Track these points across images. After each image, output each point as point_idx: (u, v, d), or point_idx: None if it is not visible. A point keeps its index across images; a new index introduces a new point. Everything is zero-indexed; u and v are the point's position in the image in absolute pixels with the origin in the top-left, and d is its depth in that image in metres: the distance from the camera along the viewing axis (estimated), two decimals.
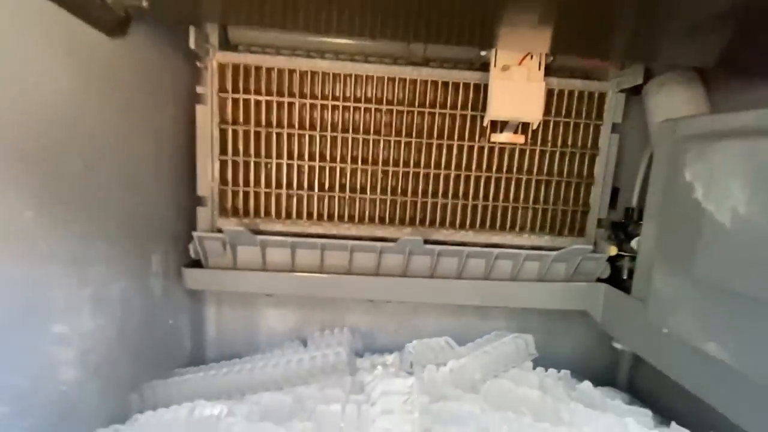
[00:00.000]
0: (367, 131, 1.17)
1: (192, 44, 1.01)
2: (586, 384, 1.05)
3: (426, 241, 1.19)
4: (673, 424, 0.94)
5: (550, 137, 1.19)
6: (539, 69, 1.08)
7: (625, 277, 1.21)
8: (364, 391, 0.89)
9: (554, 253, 1.18)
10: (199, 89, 1.12)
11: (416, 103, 1.17)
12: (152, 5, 0.79)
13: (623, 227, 1.25)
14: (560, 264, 1.23)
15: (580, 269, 1.23)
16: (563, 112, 1.17)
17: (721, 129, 0.85)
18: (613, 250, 1.18)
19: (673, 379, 0.94)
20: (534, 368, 1.18)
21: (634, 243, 1.17)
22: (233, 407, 0.84)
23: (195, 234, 1.14)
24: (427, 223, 1.22)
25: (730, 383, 0.81)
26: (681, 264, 0.93)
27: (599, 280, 1.24)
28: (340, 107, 1.16)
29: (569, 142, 1.19)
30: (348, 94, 1.16)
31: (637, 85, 1.11)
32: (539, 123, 1.13)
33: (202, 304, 1.36)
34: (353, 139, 1.17)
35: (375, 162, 1.19)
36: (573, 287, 1.23)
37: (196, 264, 1.20)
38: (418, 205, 1.21)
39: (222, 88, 1.12)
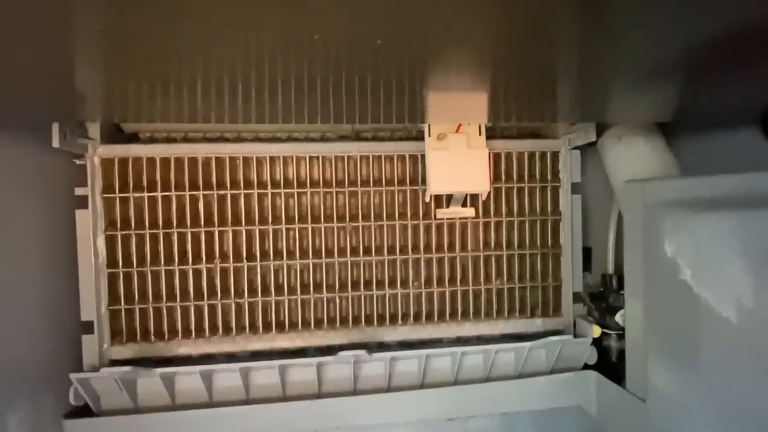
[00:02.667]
0: (290, 220, 0.99)
1: (56, 143, 0.82)
2: None
3: (376, 345, 0.98)
4: None
5: (504, 206, 1.03)
6: (479, 134, 0.95)
7: (615, 359, 1.01)
8: None
9: (529, 343, 0.98)
10: (78, 191, 0.92)
11: (347, 182, 1.00)
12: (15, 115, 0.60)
13: (603, 297, 1.08)
14: (540, 352, 1.03)
15: (563, 356, 1.03)
16: (515, 177, 1.03)
17: (700, 196, 0.71)
18: (596, 331, 1.00)
19: None
20: None
21: (618, 317, 0.99)
22: None
23: (73, 376, 0.88)
24: (375, 320, 1.01)
25: None
26: (680, 359, 0.74)
27: (587, 366, 1.04)
28: (256, 194, 0.97)
29: (527, 210, 1.04)
30: (265, 179, 0.98)
31: (591, 141, 0.99)
32: (488, 192, 0.97)
33: None
34: (274, 230, 0.98)
35: (304, 255, 0.99)
36: (558, 380, 1.02)
37: (84, 412, 0.93)
38: (362, 299, 1.00)
39: (108, 188, 0.93)
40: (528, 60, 0.53)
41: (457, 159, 0.92)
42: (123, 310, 0.93)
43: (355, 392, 0.98)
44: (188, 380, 0.94)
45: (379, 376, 0.99)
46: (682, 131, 0.98)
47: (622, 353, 0.98)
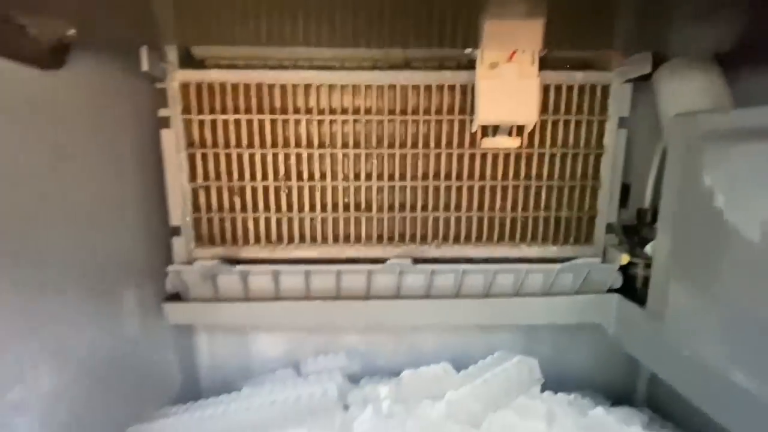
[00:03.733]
0: (347, 145, 1.08)
1: (145, 66, 0.92)
2: (599, 410, 0.96)
3: (419, 260, 1.10)
4: None
5: (548, 138, 1.07)
6: (532, 63, 0.96)
7: (639, 286, 1.10)
8: None
9: (558, 265, 1.08)
10: (161, 112, 1.04)
11: (398, 111, 1.06)
12: (82, 34, 0.70)
13: (636, 230, 1.14)
14: (567, 275, 1.12)
15: (590, 280, 1.12)
16: (562, 109, 1.05)
17: (747, 126, 0.73)
18: (624, 259, 1.07)
19: (694, 403, 0.84)
20: (542, 390, 1.09)
21: (648, 248, 1.06)
22: None
23: (169, 268, 1.07)
24: (419, 239, 1.12)
25: (757, 415, 0.71)
26: (701, 280, 0.82)
27: (611, 290, 1.14)
28: (316, 121, 1.06)
29: (571, 142, 1.07)
30: (324, 106, 1.06)
31: (645, 74, 0.98)
32: (534, 124, 1.01)
33: (192, 334, 1.30)
34: (332, 154, 1.08)
35: (358, 177, 1.09)
36: (582, 300, 1.13)
37: (176, 297, 1.13)
38: (408, 220, 1.11)
39: (186, 110, 1.04)
40: None
41: (508, 89, 0.95)
42: (204, 218, 1.09)
43: (398, 297, 1.13)
44: (259, 278, 1.11)
45: (420, 287, 1.14)
46: (743, 70, 0.95)
47: (646, 281, 1.06)
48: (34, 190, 0.75)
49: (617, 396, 1.24)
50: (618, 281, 1.12)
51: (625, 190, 1.17)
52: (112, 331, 0.96)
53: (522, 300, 1.13)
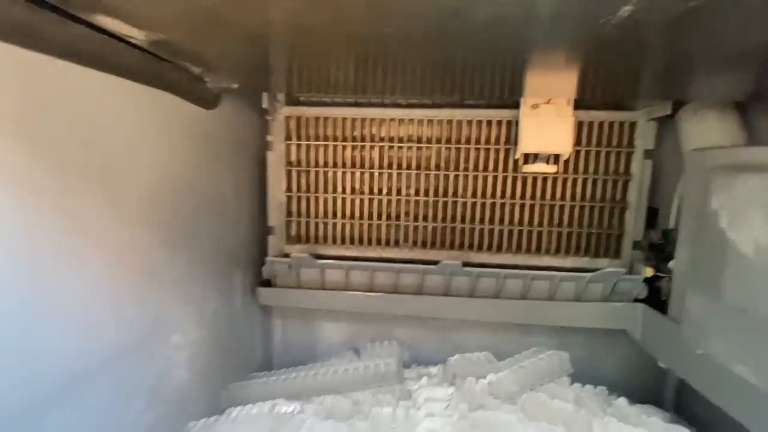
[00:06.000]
0: (410, 167, 1.33)
1: (265, 105, 1.24)
2: (622, 400, 1.11)
3: (466, 264, 1.32)
4: None
5: (582, 165, 1.27)
6: (568, 104, 1.18)
7: (664, 298, 1.24)
8: (411, 398, 1.03)
9: (589, 274, 1.25)
10: (269, 138, 1.35)
11: (454, 140, 1.30)
12: (240, 86, 1.01)
13: (662, 248, 1.29)
14: (597, 285, 1.29)
15: (618, 290, 1.28)
16: (594, 142, 1.25)
17: (745, 161, 0.90)
18: (648, 272, 1.23)
19: (707, 398, 0.98)
20: (571, 384, 1.25)
21: (672, 264, 1.21)
22: (304, 406, 1.02)
23: (267, 258, 1.35)
24: (466, 246, 1.34)
25: (760, 404, 0.85)
26: (711, 288, 0.97)
27: (639, 300, 1.28)
28: (386, 147, 1.32)
29: (601, 170, 1.26)
30: (393, 135, 1.33)
31: (667, 114, 1.16)
32: (570, 153, 1.22)
33: (271, 318, 1.58)
34: (398, 174, 1.33)
35: (418, 193, 1.34)
36: (610, 307, 1.28)
37: (267, 283, 1.42)
38: (457, 230, 1.34)
39: (288, 136, 1.34)
40: (616, 54, 0.75)
41: (546, 125, 1.17)
42: (295, 221, 1.38)
43: (447, 295, 1.35)
44: (334, 272, 1.37)
45: (466, 287, 1.34)
46: (761, 114, 1.10)
47: (669, 293, 1.20)
48: (197, 190, 1.06)
49: (644, 400, 1.36)
50: (643, 292, 1.26)
51: (653, 213, 1.33)
52: (227, 303, 1.25)
53: (555, 304, 1.31)
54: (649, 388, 1.40)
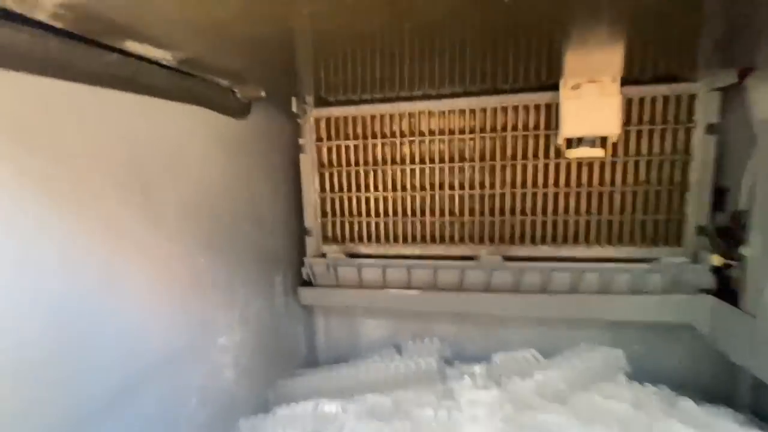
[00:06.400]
0: (443, 160, 1.29)
1: (294, 109, 1.25)
2: (688, 401, 1.01)
3: (508, 258, 1.26)
4: None
5: (633, 147, 1.16)
6: (613, 82, 1.07)
7: (735, 289, 1.11)
8: (454, 398, 1.01)
9: (646, 265, 1.15)
10: (300, 141, 1.36)
11: (488, 129, 1.24)
12: (268, 94, 1.02)
13: (731, 233, 1.15)
14: (655, 275, 1.18)
15: (680, 280, 1.17)
16: (646, 120, 1.14)
17: None
18: (716, 260, 1.10)
19: None
20: (629, 381, 1.16)
21: (745, 250, 1.08)
22: (346, 405, 1.03)
23: (306, 259, 1.38)
24: (508, 239, 1.28)
25: None
26: None
27: (706, 291, 1.16)
28: (416, 141, 1.29)
29: (656, 150, 1.15)
30: (424, 129, 1.29)
31: (732, 84, 1.03)
32: (618, 135, 1.11)
33: (313, 316, 1.61)
34: (431, 168, 1.30)
35: (453, 187, 1.29)
36: (671, 299, 1.17)
37: (307, 283, 1.45)
38: (496, 224, 1.28)
39: (318, 138, 1.35)
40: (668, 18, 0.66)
41: (590, 106, 1.08)
42: (330, 221, 1.39)
43: (488, 291, 1.30)
44: (371, 270, 1.37)
45: (509, 282, 1.29)
46: None
47: (742, 282, 1.07)
48: (234, 198, 1.10)
49: (714, 399, 1.24)
50: (711, 282, 1.14)
51: (721, 194, 1.19)
52: (269, 305, 1.29)
53: (608, 297, 1.21)
54: (720, 387, 1.26)
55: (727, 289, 1.13)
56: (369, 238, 1.37)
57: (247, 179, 1.16)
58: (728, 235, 1.15)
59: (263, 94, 1.02)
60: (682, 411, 1.00)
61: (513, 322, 1.44)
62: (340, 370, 1.27)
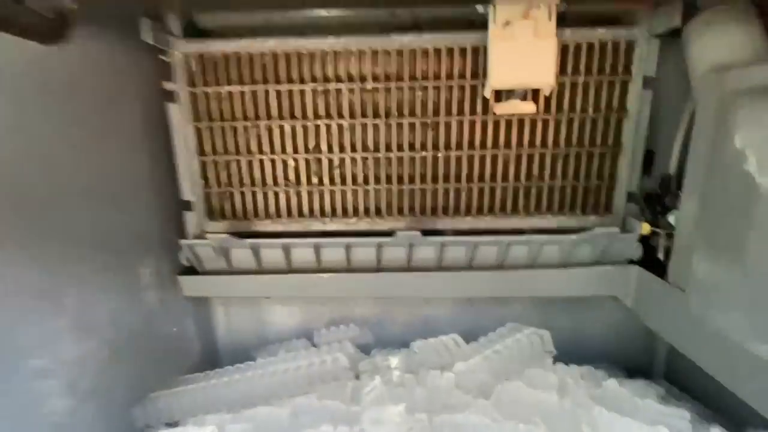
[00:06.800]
0: (354, 114, 1.05)
1: (145, 37, 0.91)
2: (612, 382, 0.94)
3: (429, 232, 1.08)
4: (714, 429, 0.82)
5: (566, 102, 1.01)
6: (549, 20, 0.90)
7: (661, 258, 1.05)
8: (359, 406, 0.84)
9: (575, 236, 1.04)
10: (167, 86, 1.03)
11: (407, 77, 1.02)
12: (81, 5, 0.68)
13: (659, 199, 1.08)
14: (585, 246, 1.08)
15: (608, 251, 1.08)
16: (582, 70, 0.99)
17: None
18: (644, 229, 1.02)
19: (715, 377, 0.81)
20: (555, 362, 1.08)
21: (671, 218, 1.00)
22: (224, 425, 0.81)
23: (184, 242, 1.09)
24: (429, 211, 1.10)
25: None
26: (729, 251, 0.77)
27: (631, 261, 1.09)
28: (321, 90, 1.03)
29: (590, 106, 1.01)
30: (330, 74, 1.03)
31: (675, 28, 0.90)
32: (552, 88, 0.95)
33: (209, 306, 1.34)
34: (339, 125, 1.05)
35: (366, 148, 1.07)
36: (599, 271, 1.09)
37: (192, 270, 1.16)
38: (416, 192, 1.09)
39: (191, 82, 1.03)
40: None
41: (523, 50, 0.89)
42: (215, 192, 1.10)
43: (409, 270, 1.13)
44: (271, 251, 1.12)
45: (431, 259, 1.12)
46: None
47: (668, 252, 1.01)
48: (53, 167, 0.77)
49: (634, 369, 1.22)
50: (638, 252, 1.07)
51: (649, 157, 1.10)
52: (132, 302, 0.99)
53: (537, 272, 1.11)
54: (638, 356, 1.25)
55: (652, 258, 1.07)
56: (267, 213, 1.11)
57: (73, 134, 0.82)
58: (656, 200, 1.08)
59: (72, 4, 0.68)
60: (607, 392, 0.93)
61: (438, 301, 1.30)
62: (231, 376, 1.03)
